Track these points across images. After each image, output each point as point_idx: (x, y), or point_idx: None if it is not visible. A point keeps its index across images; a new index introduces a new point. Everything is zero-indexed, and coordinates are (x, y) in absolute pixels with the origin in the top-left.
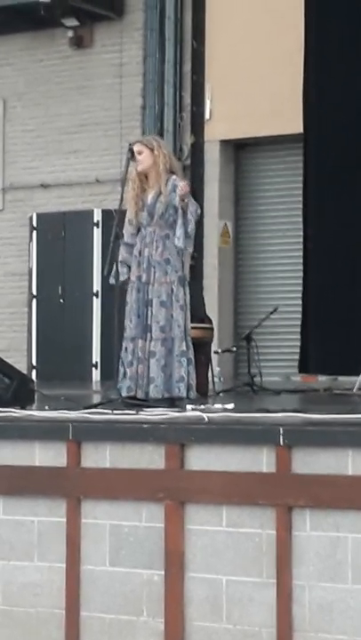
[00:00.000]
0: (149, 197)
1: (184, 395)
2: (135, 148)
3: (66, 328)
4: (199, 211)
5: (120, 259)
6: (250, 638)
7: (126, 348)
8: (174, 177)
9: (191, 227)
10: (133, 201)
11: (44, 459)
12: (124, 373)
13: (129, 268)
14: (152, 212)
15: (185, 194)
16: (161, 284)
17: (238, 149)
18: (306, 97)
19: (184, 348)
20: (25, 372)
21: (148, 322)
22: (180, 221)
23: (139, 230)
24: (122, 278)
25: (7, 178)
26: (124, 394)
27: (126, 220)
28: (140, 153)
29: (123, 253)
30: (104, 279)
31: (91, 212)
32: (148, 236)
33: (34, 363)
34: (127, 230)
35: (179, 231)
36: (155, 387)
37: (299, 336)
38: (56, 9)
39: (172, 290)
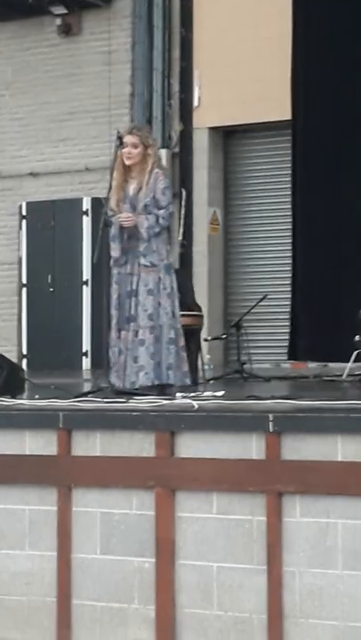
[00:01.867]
0: (131, 189)
1: (173, 382)
2: (131, 140)
3: (56, 317)
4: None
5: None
6: (241, 625)
7: (114, 338)
8: (157, 170)
9: (143, 246)
10: (116, 190)
11: (34, 447)
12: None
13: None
14: (134, 203)
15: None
16: (148, 273)
17: (227, 136)
18: (294, 83)
19: (172, 336)
20: (15, 360)
21: (132, 312)
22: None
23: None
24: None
25: None
26: (115, 384)
27: (108, 208)
28: (135, 146)
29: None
30: (94, 267)
31: (80, 201)
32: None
33: (24, 352)
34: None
35: (142, 246)
36: (145, 374)
37: (288, 323)
38: None
39: (159, 278)
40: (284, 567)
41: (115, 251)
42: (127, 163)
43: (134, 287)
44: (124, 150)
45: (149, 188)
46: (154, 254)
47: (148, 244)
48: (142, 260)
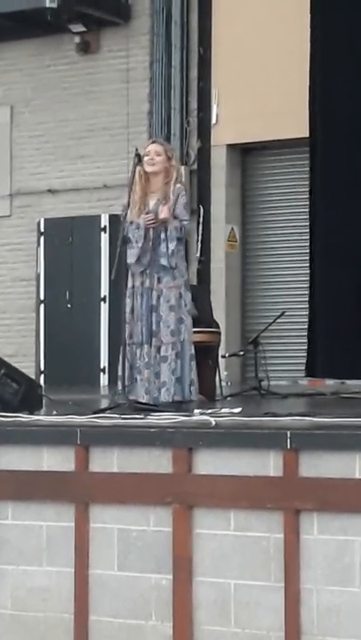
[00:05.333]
0: (152, 203)
1: (195, 398)
2: (155, 148)
3: (73, 333)
4: (184, 226)
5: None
6: None
7: (136, 354)
8: (179, 185)
9: (173, 245)
10: (137, 203)
11: (51, 463)
12: (135, 378)
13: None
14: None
15: (150, 222)
16: (169, 289)
17: (245, 154)
18: (312, 100)
19: (193, 352)
20: (33, 376)
21: (154, 327)
22: (163, 237)
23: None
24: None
25: (15, 183)
26: (141, 399)
27: (127, 221)
28: (158, 154)
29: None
30: (111, 284)
31: (98, 218)
32: (152, 242)
33: (42, 368)
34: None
35: (162, 250)
36: (166, 390)
37: (306, 340)
38: (63, 15)
39: (180, 294)
40: (302, 584)
41: (131, 256)
42: (149, 170)
43: (154, 302)
44: (146, 158)
45: (171, 203)
46: (172, 259)
47: (173, 248)
48: (162, 261)
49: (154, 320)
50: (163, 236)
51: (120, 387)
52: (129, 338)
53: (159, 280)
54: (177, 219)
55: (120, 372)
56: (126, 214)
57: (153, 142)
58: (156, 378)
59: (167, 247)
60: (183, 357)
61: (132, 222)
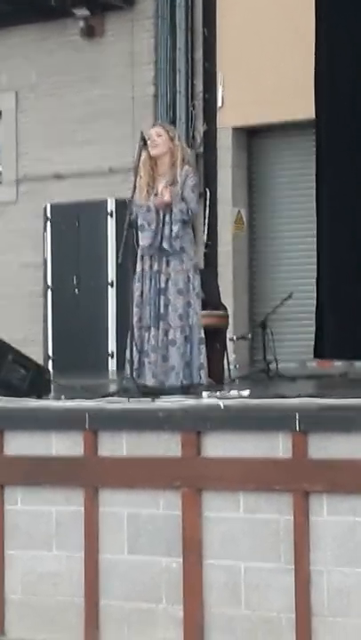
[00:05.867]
0: (160, 186)
1: (204, 381)
2: (154, 130)
3: (81, 318)
4: (191, 209)
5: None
6: (269, 624)
7: (144, 337)
8: (187, 167)
9: (176, 227)
10: (145, 187)
11: (60, 448)
12: (143, 362)
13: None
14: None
15: (161, 204)
16: (177, 273)
17: (251, 136)
18: (317, 82)
19: (202, 335)
20: (41, 362)
21: (161, 310)
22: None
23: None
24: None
25: (21, 169)
26: (148, 382)
27: (134, 205)
28: (158, 135)
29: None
30: (119, 268)
31: (104, 202)
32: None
33: (50, 353)
34: (141, 215)
35: (165, 233)
36: (175, 374)
37: (314, 322)
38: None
39: (188, 278)
40: (312, 566)
41: (144, 239)
42: (153, 152)
43: (162, 285)
44: (149, 142)
45: (179, 185)
46: (176, 243)
47: (177, 231)
48: (164, 244)
49: (162, 303)
50: (167, 218)
51: (128, 370)
52: (138, 322)
53: (167, 263)
54: (184, 201)
55: (128, 356)
56: (132, 198)
57: (153, 126)
58: (164, 361)
59: (170, 230)
60: (192, 341)
61: (141, 206)
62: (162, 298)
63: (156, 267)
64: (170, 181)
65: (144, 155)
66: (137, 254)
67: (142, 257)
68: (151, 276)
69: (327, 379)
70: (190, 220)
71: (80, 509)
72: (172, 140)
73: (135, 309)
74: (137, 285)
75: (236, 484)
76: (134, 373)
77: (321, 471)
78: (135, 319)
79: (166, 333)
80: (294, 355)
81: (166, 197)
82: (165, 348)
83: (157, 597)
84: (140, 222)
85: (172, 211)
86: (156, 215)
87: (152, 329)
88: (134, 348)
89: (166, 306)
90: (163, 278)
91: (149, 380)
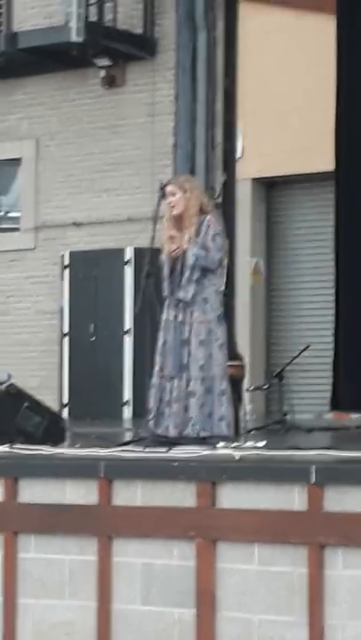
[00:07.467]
0: (185, 240)
1: (226, 432)
2: (168, 189)
3: (97, 366)
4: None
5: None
6: None
7: (165, 387)
8: (208, 217)
9: (186, 275)
10: (167, 242)
11: (75, 497)
12: (163, 412)
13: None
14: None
15: (169, 252)
16: (200, 323)
17: (270, 187)
18: (338, 134)
19: (224, 387)
20: (56, 410)
21: (185, 361)
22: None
23: (172, 271)
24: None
25: (40, 216)
26: (170, 432)
27: (162, 258)
28: (173, 194)
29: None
30: (135, 317)
31: (122, 251)
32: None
33: (65, 401)
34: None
35: (181, 283)
36: (192, 425)
37: (331, 373)
38: (88, 49)
39: (210, 329)
40: (327, 620)
41: (164, 289)
42: (173, 213)
43: (186, 336)
44: (167, 204)
45: (201, 235)
46: (189, 290)
47: (188, 277)
48: (180, 294)
49: (185, 354)
50: (181, 267)
51: (150, 418)
52: (159, 370)
53: (191, 314)
54: (205, 250)
55: (151, 405)
56: (151, 248)
57: (169, 183)
58: (185, 412)
59: (181, 278)
60: (212, 392)
61: (163, 260)
62: (185, 348)
63: (180, 317)
64: (193, 233)
65: (165, 209)
66: (154, 304)
67: (168, 306)
68: (175, 327)
69: (343, 431)
70: (214, 269)
71: (93, 558)
72: (184, 192)
73: (158, 358)
74: (161, 334)
75: (250, 535)
76: (152, 422)
77: (336, 524)
78: (157, 368)
79: (188, 384)
80: (311, 406)
81: (173, 246)
82: (186, 399)
83: None
84: (163, 274)
85: (185, 258)
86: (172, 265)
87: (175, 380)
88: (155, 397)
89: (189, 356)
90: (186, 329)
91: (172, 431)
